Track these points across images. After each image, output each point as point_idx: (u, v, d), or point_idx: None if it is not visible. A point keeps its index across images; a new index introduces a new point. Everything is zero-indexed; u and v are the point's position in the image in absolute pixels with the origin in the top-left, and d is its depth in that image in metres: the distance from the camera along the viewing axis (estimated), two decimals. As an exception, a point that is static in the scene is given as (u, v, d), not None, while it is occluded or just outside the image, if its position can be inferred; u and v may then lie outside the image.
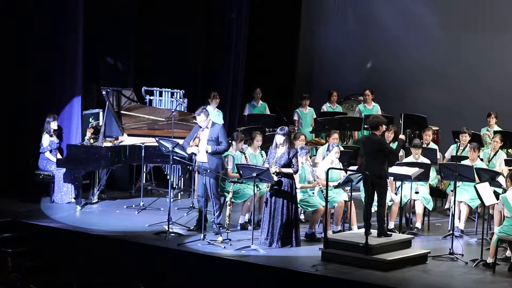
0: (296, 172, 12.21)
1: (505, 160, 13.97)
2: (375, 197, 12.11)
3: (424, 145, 14.52)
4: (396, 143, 14.36)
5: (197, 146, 12.65)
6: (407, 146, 15.11)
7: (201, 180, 12.66)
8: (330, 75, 19.15)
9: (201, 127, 12.71)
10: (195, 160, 12.86)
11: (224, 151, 12.73)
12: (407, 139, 16.26)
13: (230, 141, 13.31)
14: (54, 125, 14.36)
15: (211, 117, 12.97)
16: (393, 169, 12.67)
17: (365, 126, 15.59)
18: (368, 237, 11.45)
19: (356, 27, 19.19)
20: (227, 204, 12.89)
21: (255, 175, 11.97)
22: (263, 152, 13.52)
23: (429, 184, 13.77)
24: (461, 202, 13.19)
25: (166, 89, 16.12)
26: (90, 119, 15.27)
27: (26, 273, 11.34)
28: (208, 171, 12.43)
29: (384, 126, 12.28)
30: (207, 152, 12.56)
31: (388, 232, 12.02)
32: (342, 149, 13.80)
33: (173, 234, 12.51)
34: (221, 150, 12.63)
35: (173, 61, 16.92)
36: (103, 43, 16.08)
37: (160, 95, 16.06)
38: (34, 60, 14.64)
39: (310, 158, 13.89)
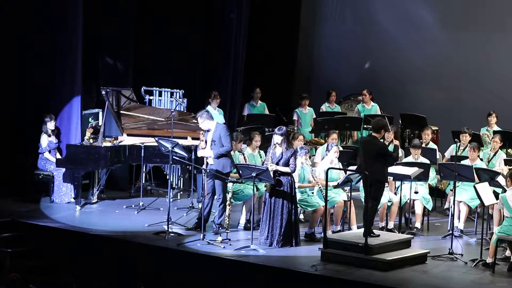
0: (293, 171, 12.22)
1: (504, 160, 13.97)
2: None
3: (423, 145, 14.53)
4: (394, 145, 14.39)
5: (204, 149, 12.66)
6: (406, 146, 15.12)
7: (204, 180, 12.67)
8: (329, 75, 19.17)
9: (206, 130, 12.70)
10: (204, 162, 12.84)
11: (227, 151, 12.67)
12: (406, 139, 16.31)
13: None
14: (51, 125, 14.35)
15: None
16: (393, 169, 12.67)
17: (368, 126, 15.59)
18: (367, 237, 11.46)
19: (355, 27, 19.20)
20: (227, 204, 12.89)
21: (254, 175, 11.98)
22: (262, 152, 13.53)
23: (429, 184, 13.78)
24: (460, 202, 13.20)
25: (166, 89, 16.12)
26: (90, 119, 15.28)
27: (26, 273, 11.35)
28: (208, 171, 12.44)
29: (383, 131, 12.31)
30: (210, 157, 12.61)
31: (374, 232, 11.91)
32: (341, 149, 13.81)
33: (173, 234, 12.51)
34: (224, 151, 12.59)
35: (173, 61, 16.93)
36: (103, 43, 16.08)
37: (160, 95, 16.06)
38: (34, 60, 14.65)
39: (310, 158, 13.90)
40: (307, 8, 19.62)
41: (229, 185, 12.90)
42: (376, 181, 11.73)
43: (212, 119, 12.77)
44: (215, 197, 12.66)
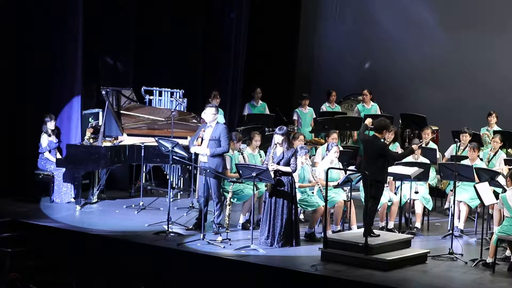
0: (294, 171, 12.22)
1: (504, 160, 13.97)
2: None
3: (423, 145, 14.52)
4: (396, 144, 14.39)
5: (200, 145, 12.64)
6: (406, 146, 15.10)
7: (202, 179, 12.67)
8: (329, 75, 19.17)
9: (206, 123, 12.68)
10: (198, 160, 12.84)
11: (223, 152, 12.67)
12: (406, 139, 16.29)
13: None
14: (51, 125, 14.35)
15: None
16: (393, 169, 12.67)
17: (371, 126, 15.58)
18: (367, 237, 11.45)
19: (355, 27, 19.21)
20: (227, 204, 12.90)
21: (254, 175, 11.97)
22: (262, 152, 13.53)
23: (429, 184, 13.78)
24: (460, 201, 13.19)
25: (166, 89, 16.12)
26: (90, 119, 15.28)
27: (26, 273, 11.35)
28: (208, 171, 12.43)
29: (386, 132, 12.30)
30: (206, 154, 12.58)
31: (374, 232, 11.91)
32: (341, 149, 13.80)
33: (173, 234, 12.52)
34: (220, 152, 12.58)
35: (173, 61, 16.93)
36: (103, 43, 16.09)
37: (160, 95, 16.07)
38: (34, 60, 14.65)
39: (310, 158, 13.90)
40: (307, 8, 19.62)
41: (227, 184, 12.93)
42: (376, 181, 11.72)
43: (217, 117, 12.78)
44: (213, 197, 12.65)
